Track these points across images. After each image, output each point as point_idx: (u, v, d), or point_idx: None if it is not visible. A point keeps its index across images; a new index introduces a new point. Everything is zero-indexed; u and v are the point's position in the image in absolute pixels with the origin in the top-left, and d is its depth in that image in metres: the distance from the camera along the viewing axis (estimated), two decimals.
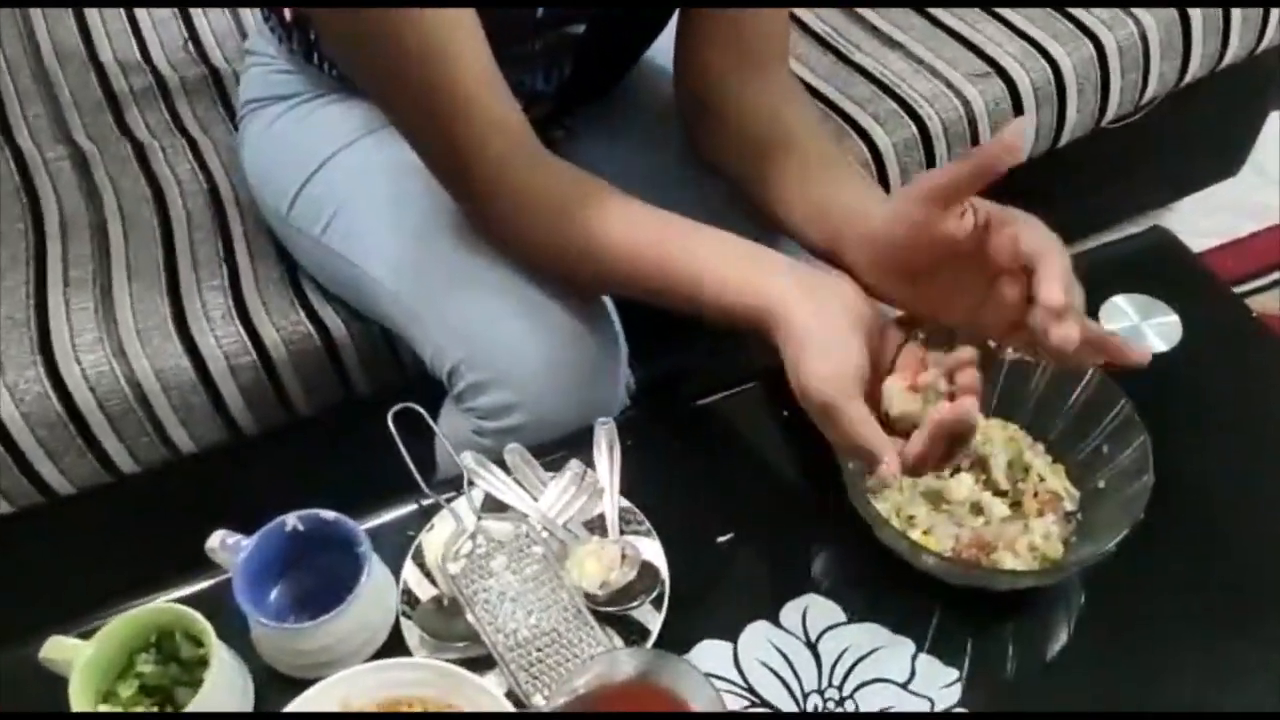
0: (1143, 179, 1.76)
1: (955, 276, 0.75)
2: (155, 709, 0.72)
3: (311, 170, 1.07)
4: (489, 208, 0.89)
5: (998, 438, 0.85)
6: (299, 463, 1.19)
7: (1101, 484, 0.82)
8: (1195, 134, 1.73)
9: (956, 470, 0.83)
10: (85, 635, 0.73)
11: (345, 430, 1.14)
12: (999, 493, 0.83)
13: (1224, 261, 1.89)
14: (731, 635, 0.78)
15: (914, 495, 0.82)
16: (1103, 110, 1.49)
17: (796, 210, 0.89)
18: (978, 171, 0.70)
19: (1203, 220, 1.93)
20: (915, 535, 0.79)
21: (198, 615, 0.72)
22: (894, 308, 0.80)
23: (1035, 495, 0.82)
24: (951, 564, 0.77)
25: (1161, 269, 1.03)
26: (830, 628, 0.79)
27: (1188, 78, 1.54)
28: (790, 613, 0.79)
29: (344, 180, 1.06)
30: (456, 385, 0.96)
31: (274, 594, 0.79)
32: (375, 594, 0.76)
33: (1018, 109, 1.40)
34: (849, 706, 0.75)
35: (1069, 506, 0.83)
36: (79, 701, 0.69)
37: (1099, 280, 0.88)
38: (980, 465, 0.84)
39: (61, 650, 0.72)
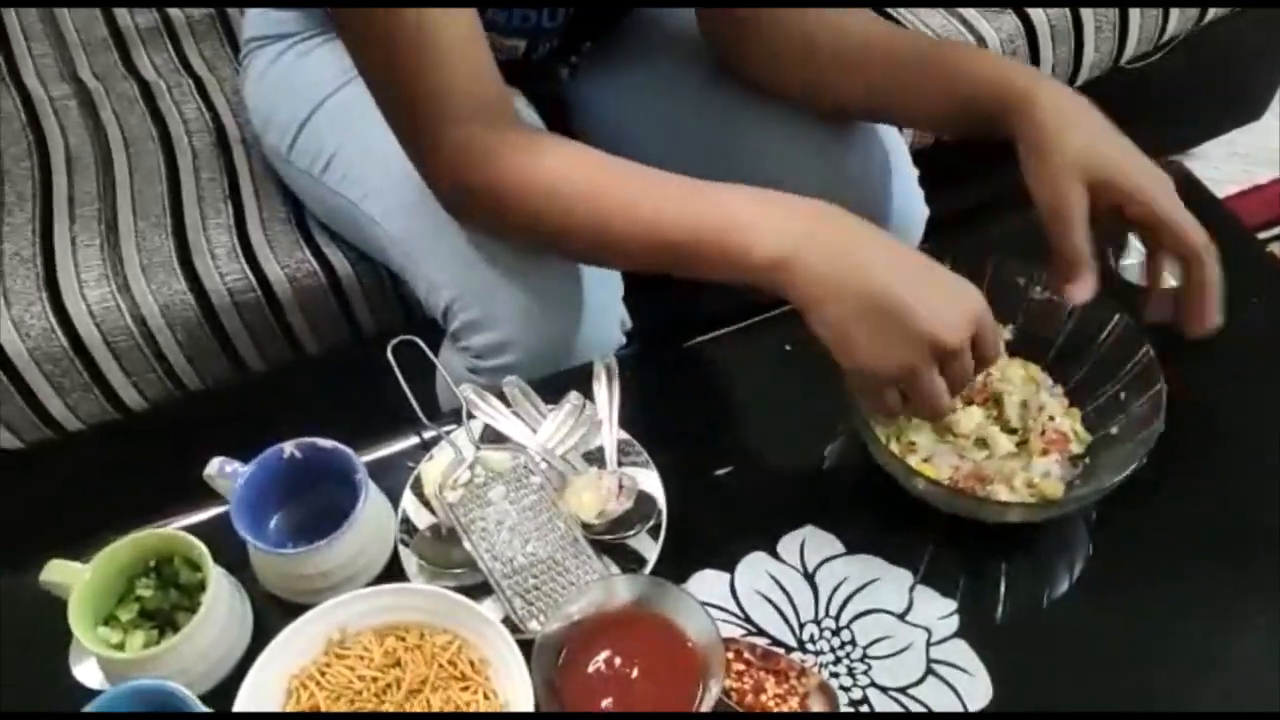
0: (1162, 123, 1.71)
1: None
2: (155, 632, 0.73)
3: (311, 109, 1.06)
4: (438, 165, 0.84)
5: (1016, 377, 0.84)
6: (305, 400, 1.19)
7: (1114, 430, 0.81)
8: (1217, 77, 1.70)
9: (970, 402, 0.83)
10: (85, 560, 0.73)
11: (351, 368, 1.13)
12: (1009, 430, 0.82)
13: (1244, 208, 1.86)
14: (729, 566, 0.78)
15: (919, 423, 0.82)
16: (1121, 49, 1.46)
17: (929, 106, 0.89)
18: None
19: (1223, 166, 1.91)
20: (913, 461, 0.79)
21: (195, 540, 0.73)
22: None
23: (1043, 434, 0.82)
24: (941, 489, 0.76)
25: None
26: (828, 559, 0.78)
27: (1209, 16, 1.51)
28: (788, 544, 0.79)
29: (342, 119, 1.05)
30: (451, 324, 0.96)
31: (273, 523, 0.80)
32: (372, 521, 0.77)
33: (1033, 46, 1.38)
34: (845, 637, 0.75)
35: (1075, 449, 0.82)
36: (77, 623, 0.69)
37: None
38: (994, 402, 0.83)
39: (61, 573, 0.73)
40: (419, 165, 0.85)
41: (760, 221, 0.75)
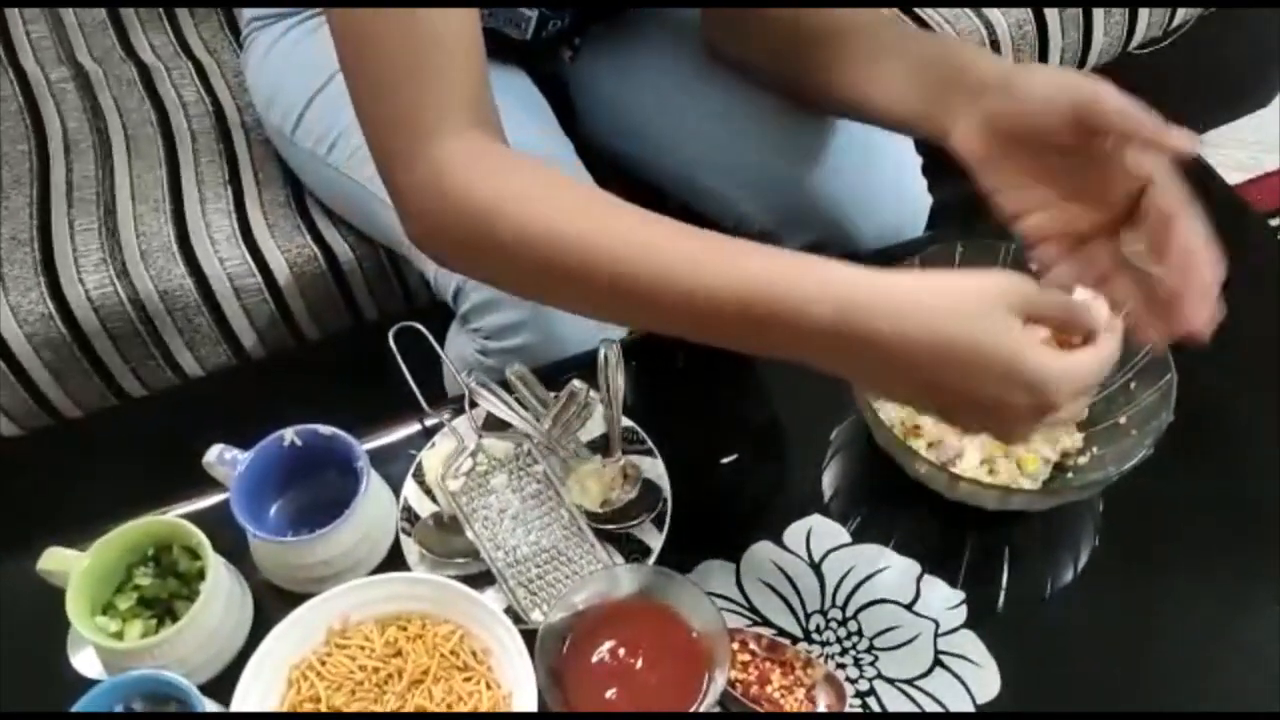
0: (1171, 109, 1.70)
1: (1065, 161, 0.71)
2: (154, 621, 0.72)
3: (316, 88, 1.05)
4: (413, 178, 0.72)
5: None
6: (306, 387, 1.18)
7: (1122, 420, 0.79)
8: (1226, 64, 1.68)
9: None
10: (84, 548, 0.72)
11: (352, 355, 1.13)
12: None
13: (1253, 195, 1.85)
14: (734, 555, 0.77)
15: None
16: (1130, 35, 1.44)
17: (888, 78, 0.83)
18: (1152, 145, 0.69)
19: (1233, 153, 1.89)
20: (918, 445, 0.78)
21: (194, 528, 0.72)
22: (981, 177, 0.75)
23: None
24: (941, 473, 0.74)
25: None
26: (834, 549, 0.78)
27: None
28: (794, 533, 0.78)
29: (348, 98, 1.03)
30: (461, 305, 0.95)
31: (273, 511, 0.79)
32: (373, 509, 0.76)
33: (1042, 31, 1.36)
34: (852, 627, 0.74)
35: (1066, 443, 0.81)
36: (75, 611, 0.69)
37: None
38: None
39: (59, 561, 0.72)
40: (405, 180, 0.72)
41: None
